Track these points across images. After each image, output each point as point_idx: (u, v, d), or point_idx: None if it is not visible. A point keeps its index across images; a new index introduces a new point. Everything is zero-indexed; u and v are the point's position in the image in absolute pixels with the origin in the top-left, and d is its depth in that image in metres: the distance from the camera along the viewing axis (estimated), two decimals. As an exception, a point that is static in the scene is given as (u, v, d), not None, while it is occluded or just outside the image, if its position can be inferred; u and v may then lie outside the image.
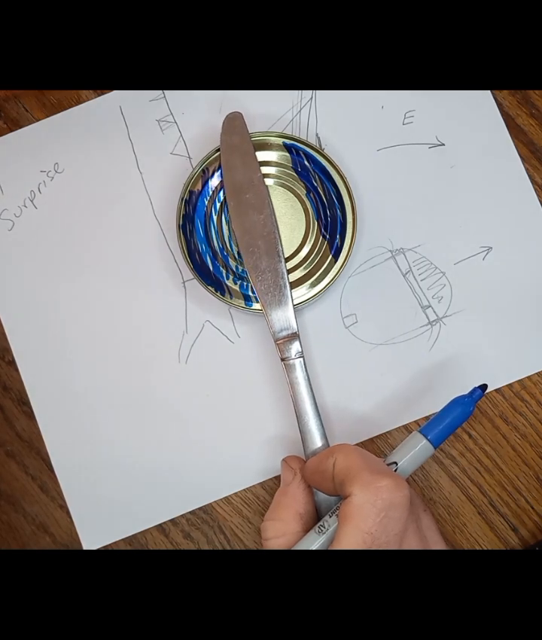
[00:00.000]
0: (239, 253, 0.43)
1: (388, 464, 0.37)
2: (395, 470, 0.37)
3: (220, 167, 0.43)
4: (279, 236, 0.42)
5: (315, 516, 0.39)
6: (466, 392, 0.38)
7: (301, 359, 0.41)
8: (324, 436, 0.40)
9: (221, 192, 0.43)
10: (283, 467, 0.40)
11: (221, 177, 0.43)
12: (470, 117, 0.45)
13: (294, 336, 0.41)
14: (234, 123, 0.43)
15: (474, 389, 0.39)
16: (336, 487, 0.36)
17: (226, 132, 0.43)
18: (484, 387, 0.39)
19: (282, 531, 0.37)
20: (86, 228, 0.45)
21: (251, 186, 0.42)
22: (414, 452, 0.37)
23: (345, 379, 0.44)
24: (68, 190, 0.46)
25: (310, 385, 0.41)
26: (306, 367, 0.41)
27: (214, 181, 0.43)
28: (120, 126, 0.46)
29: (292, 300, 0.42)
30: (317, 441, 0.40)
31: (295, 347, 0.41)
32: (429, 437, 0.37)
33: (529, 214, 0.44)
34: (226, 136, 0.43)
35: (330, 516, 0.36)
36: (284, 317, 0.41)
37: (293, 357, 0.41)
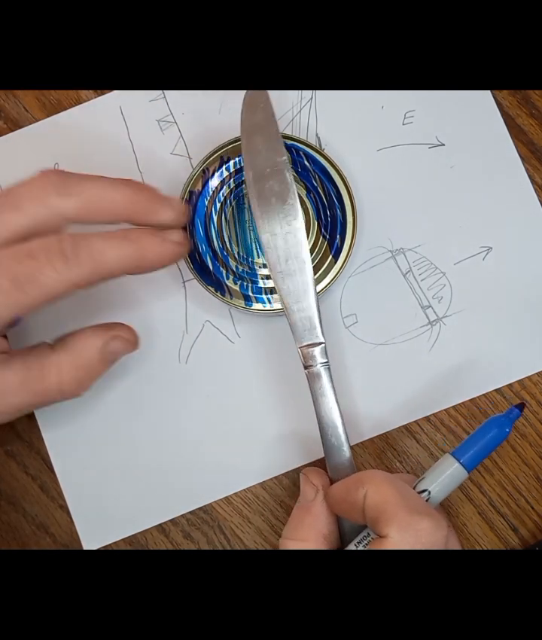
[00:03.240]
0: (239, 253, 0.43)
1: (419, 492, 0.35)
2: (427, 499, 0.35)
3: (219, 167, 0.43)
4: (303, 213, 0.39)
5: (338, 537, 0.37)
6: (502, 413, 0.36)
7: (327, 366, 0.38)
8: (350, 449, 0.38)
9: (221, 192, 0.43)
10: (303, 481, 0.38)
11: (222, 177, 0.42)
12: (470, 117, 0.45)
13: (320, 342, 0.38)
14: (257, 99, 0.38)
15: (511, 409, 0.36)
16: (367, 521, 0.34)
17: (248, 108, 0.38)
18: (521, 406, 0.36)
19: None
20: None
21: (275, 172, 0.38)
22: (447, 478, 0.35)
23: (344, 379, 0.44)
24: (68, 190, 0.46)
25: (336, 394, 0.38)
26: (331, 376, 0.38)
27: (215, 181, 0.43)
28: (120, 126, 0.46)
29: (317, 302, 0.39)
30: (342, 456, 0.38)
31: (320, 353, 0.38)
32: (462, 461, 0.35)
33: (529, 214, 0.44)
34: (248, 114, 0.38)
35: (357, 546, 0.35)
36: (308, 321, 0.38)
37: (318, 364, 0.38)
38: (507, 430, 0.36)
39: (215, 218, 0.43)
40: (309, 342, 0.38)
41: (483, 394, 0.43)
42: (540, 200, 0.44)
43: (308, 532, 0.36)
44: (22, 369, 0.35)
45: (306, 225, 0.43)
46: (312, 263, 0.42)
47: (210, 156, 0.43)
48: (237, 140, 0.42)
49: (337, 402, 0.38)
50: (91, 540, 0.44)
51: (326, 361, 0.38)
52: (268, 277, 0.42)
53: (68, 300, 0.45)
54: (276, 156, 0.38)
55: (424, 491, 0.35)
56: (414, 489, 0.36)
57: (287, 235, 0.39)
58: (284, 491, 0.44)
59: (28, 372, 0.35)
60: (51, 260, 0.32)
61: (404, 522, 0.32)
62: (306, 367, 0.39)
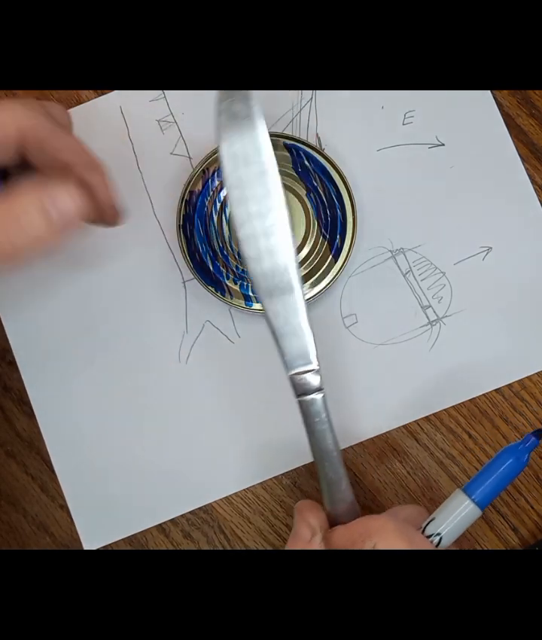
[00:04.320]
0: (239, 253, 0.43)
1: (429, 536, 0.33)
2: (438, 543, 0.33)
3: (219, 167, 0.42)
4: (293, 235, 0.34)
5: None
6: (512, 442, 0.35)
7: (322, 394, 0.33)
8: (349, 486, 0.34)
9: (221, 192, 0.43)
10: (297, 519, 0.35)
11: (221, 177, 0.42)
12: (470, 117, 0.45)
13: (312, 369, 0.33)
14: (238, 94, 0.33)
15: (527, 436, 0.33)
16: None
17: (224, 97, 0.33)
18: (539, 433, 0.32)
19: None
20: (86, 228, 0.45)
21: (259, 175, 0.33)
22: (458, 517, 0.32)
23: (344, 379, 0.44)
24: (68, 190, 0.46)
25: (332, 426, 0.34)
26: (326, 404, 0.33)
27: (215, 182, 0.43)
28: (120, 126, 0.46)
29: (310, 322, 0.34)
30: (341, 490, 0.34)
31: (314, 380, 0.33)
32: (474, 498, 0.32)
33: (529, 214, 0.44)
34: (222, 100, 0.33)
35: None
36: (299, 345, 0.33)
37: (311, 392, 0.33)
38: (524, 460, 0.33)
39: (215, 218, 0.43)
40: (301, 370, 0.34)
41: (483, 394, 0.43)
42: (540, 200, 0.44)
43: None
44: None
45: (305, 225, 0.43)
46: (312, 263, 0.43)
47: (210, 157, 0.43)
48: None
49: (334, 432, 0.34)
50: (91, 540, 0.44)
51: (321, 387, 0.34)
52: (268, 277, 0.42)
53: (67, 300, 0.45)
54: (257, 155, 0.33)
55: (435, 535, 0.33)
56: (424, 531, 0.34)
57: (271, 251, 0.33)
58: (284, 491, 0.44)
59: None
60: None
61: None
62: (298, 396, 0.34)
